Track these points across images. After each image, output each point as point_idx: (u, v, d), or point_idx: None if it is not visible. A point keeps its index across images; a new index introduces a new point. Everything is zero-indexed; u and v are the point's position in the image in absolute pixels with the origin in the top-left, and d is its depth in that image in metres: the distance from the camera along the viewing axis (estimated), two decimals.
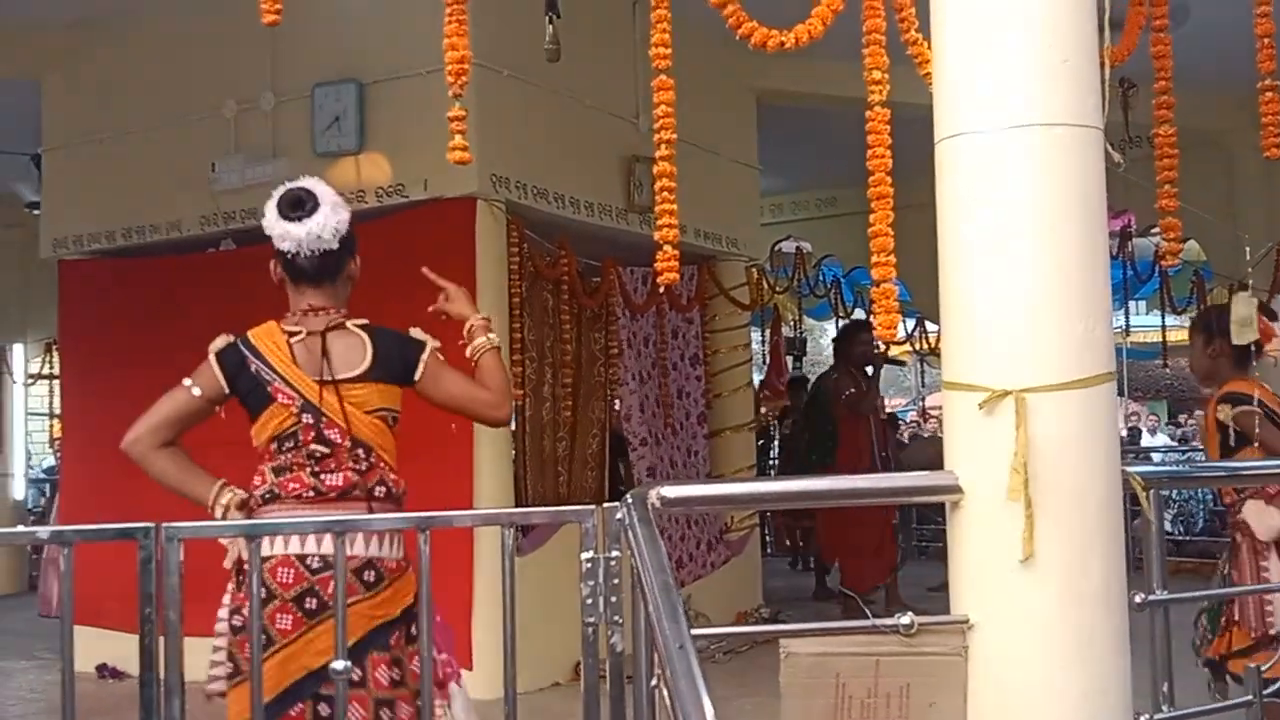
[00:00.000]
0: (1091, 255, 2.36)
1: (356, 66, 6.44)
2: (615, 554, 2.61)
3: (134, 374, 7.29)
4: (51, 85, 7.63)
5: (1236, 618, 4.21)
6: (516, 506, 6.29)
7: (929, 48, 2.58)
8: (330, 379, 3.10)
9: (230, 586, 3.08)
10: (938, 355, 12.13)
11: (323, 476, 3.07)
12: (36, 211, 8.10)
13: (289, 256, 3.14)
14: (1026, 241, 2.33)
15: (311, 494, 3.05)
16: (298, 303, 3.20)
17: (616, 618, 2.61)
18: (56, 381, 9.95)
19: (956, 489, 2.37)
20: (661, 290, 7.06)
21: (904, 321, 11.94)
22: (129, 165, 7.22)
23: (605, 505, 2.63)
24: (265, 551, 2.94)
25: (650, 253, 3.12)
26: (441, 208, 6.20)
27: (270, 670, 2.87)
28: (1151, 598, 2.67)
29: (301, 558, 3.00)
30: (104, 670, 6.66)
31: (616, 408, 7.65)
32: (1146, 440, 16.73)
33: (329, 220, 3.11)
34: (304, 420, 3.08)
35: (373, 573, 3.03)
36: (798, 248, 11.92)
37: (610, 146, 7.12)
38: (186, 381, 3.12)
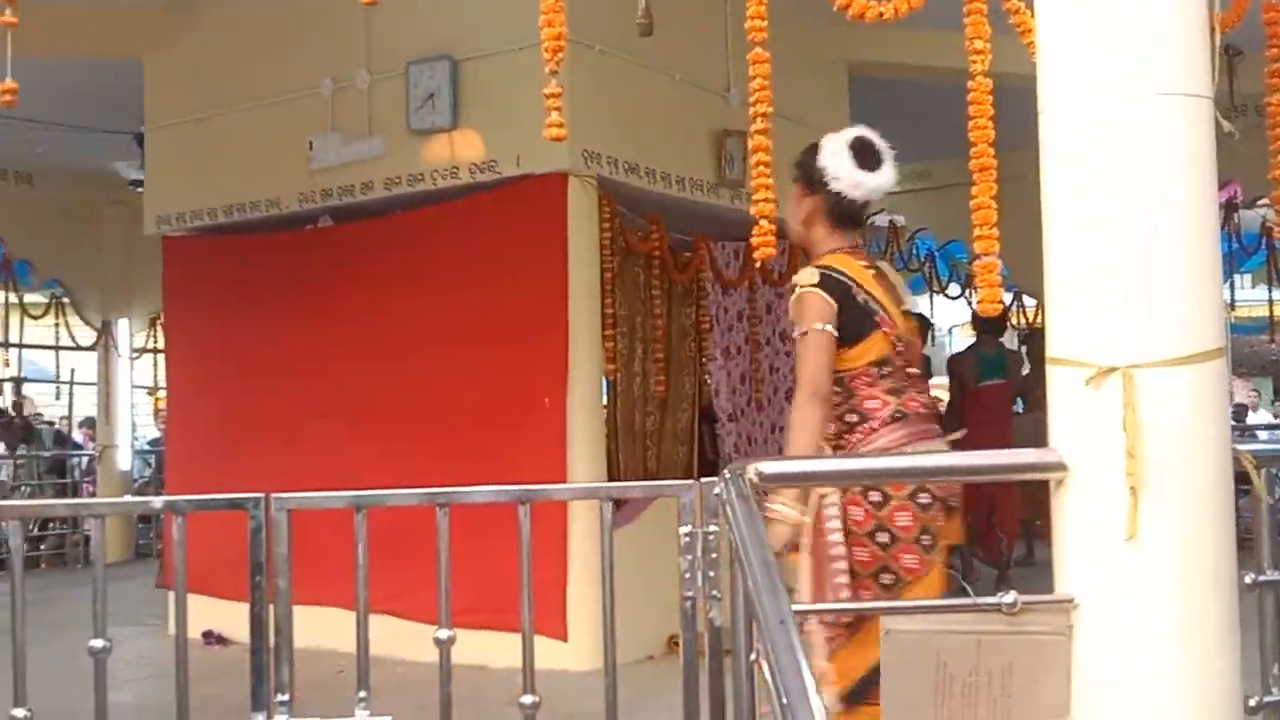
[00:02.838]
0: (1202, 227, 2.29)
1: (450, 43, 6.49)
2: (713, 528, 2.62)
3: (236, 347, 7.49)
4: (153, 65, 7.80)
5: None
6: (609, 480, 6.33)
7: (1032, 16, 2.52)
8: (913, 311, 3.36)
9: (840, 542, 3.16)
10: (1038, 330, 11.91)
11: (922, 397, 3.29)
12: (140, 189, 8.29)
13: (839, 197, 3.27)
14: (1134, 214, 2.27)
15: (926, 411, 3.27)
16: (833, 240, 3.34)
17: (715, 592, 2.62)
18: (161, 355, 10.21)
19: (1061, 466, 2.32)
20: (757, 265, 7.03)
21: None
22: (229, 143, 7.38)
23: (703, 480, 2.64)
24: (877, 497, 3.13)
25: (742, 227, 3.10)
26: (534, 184, 6.23)
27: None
28: (1262, 578, 2.61)
29: (912, 495, 3.15)
30: (209, 637, 6.85)
31: (708, 382, 7.64)
32: (1251, 418, 16.30)
33: (888, 178, 3.31)
34: (898, 348, 3.27)
35: (956, 499, 3.22)
36: (891, 221, 11.78)
37: (701, 121, 7.10)
38: (817, 325, 3.17)
